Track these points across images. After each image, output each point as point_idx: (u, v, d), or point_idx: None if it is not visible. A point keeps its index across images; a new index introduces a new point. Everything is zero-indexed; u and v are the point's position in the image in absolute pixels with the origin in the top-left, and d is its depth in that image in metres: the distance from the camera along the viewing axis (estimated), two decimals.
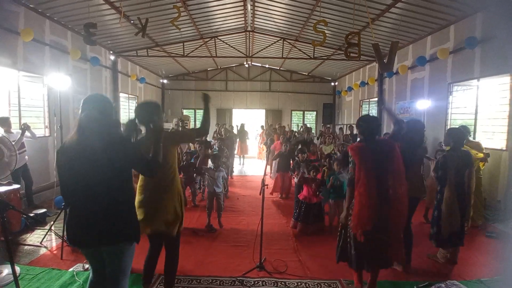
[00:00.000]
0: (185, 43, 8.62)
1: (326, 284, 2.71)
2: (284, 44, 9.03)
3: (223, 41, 8.96)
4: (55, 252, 3.45)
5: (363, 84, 9.92)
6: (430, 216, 4.41)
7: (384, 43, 7.04)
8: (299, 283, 2.72)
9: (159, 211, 2.21)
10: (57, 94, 3.95)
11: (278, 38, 8.86)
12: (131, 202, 1.85)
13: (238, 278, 2.77)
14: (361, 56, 8.37)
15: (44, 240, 3.72)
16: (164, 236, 2.30)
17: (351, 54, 4.37)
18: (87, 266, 3.03)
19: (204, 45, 9.09)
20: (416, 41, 7.05)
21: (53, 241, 3.72)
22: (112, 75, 8.43)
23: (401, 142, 2.93)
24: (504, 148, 4.80)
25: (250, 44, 9.84)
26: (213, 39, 8.76)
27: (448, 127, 6.12)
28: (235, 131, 9.33)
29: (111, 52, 8.25)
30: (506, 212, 4.63)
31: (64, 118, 6.33)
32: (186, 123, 7.86)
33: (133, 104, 10.32)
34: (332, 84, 13.36)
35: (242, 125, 9.50)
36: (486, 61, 5.05)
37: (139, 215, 2.23)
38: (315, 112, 13.95)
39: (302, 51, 8.96)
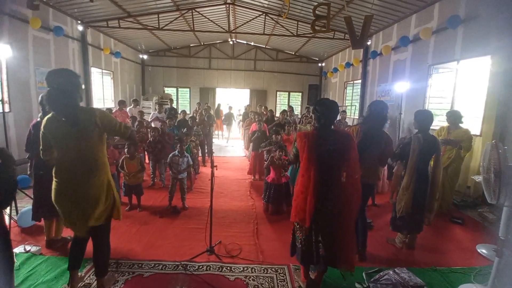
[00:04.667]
0: (160, 15, 8.02)
1: (273, 269, 2.62)
2: (268, 20, 8.53)
3: (201, 13, 8.39)
4: None
5: (348, 65, 9.62)
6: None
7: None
8: (245, 268, 2.62)
9: (82, 205, 1.92)
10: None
11: (260, 13, 8.35)
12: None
13: (182, 263, 2.64)
14: (345, 35, 8.11)
15: None
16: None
17: (318, 28, 4.00)
18: (28, 248, 2.89)
19: (181, 18, 8.50)
20: (401, 19, 6.73)
21: (9, 222, 3.52)
22: (81, 48, 7.84)
23: (363, 125, 2.77)
24: (478, 134, 4.72)
25: (232, 18, 9.26)
26: (191, 11, 8.17)
27: None
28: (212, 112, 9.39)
29: (79, 21, 7.62)
30: (475, 198, 4.63)
31: (24, 92, 5.95)
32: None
33: (107, 80, 9.79)
34: (319, 64, 12.97)
35: (219, 105, 10.21)
36: (467, 42, 4.84)
37: (59, 208, 1.98)
38: (300, 94, 13.64)
39: (285, 28, 8.51)
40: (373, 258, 2.97)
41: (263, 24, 8.66)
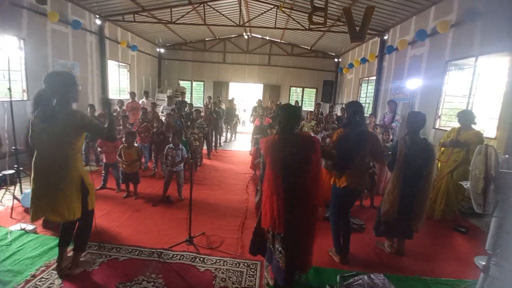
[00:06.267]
0: (172, 9, 8.14)
1: (245, 264, 2.60)
2: (280, 14, 8.36)
3: (213, 7, 8.40)
4: (8, 211, 3.52)
5: (363, 60, 9.22)
6: None
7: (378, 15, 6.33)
8: (218, 261, 2.63)
9: (51, 195, 2.08)
10: (7, 57, 3.80)
11: (272, 6, 8.20)
12: None
13: (158, 250, 2.71)
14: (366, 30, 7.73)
15: (3, 199, 3.85)
16: None
17: (316, 20, 3.84)
18: (24, 226, 3.09)
19: (194, 11, 8.58)
20: (420, 12, 6.30)
21: (12, 201, 3.81)
22: (99, 41, 8.19)
23: (345, 128, 2.67)
24: (493, 137, 4.34)
25: (245, 12, 9.18)
26: (202, 4, 8.22)
27: (440, 110, 5.62)
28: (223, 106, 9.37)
29: (97, 16, 7.94)
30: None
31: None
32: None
33: (124, 72, 10.16)
34: (336, 60, 12.55)
35: (232, 99, 10.00)
36: (486, 37, 4.44)
37: (32, 194, 2.14)
38: (315, 90, 13.31)
39: (297, 21, 8.30)
40: (357, 261, 2.86)
41: (275, 17, 8.51)
